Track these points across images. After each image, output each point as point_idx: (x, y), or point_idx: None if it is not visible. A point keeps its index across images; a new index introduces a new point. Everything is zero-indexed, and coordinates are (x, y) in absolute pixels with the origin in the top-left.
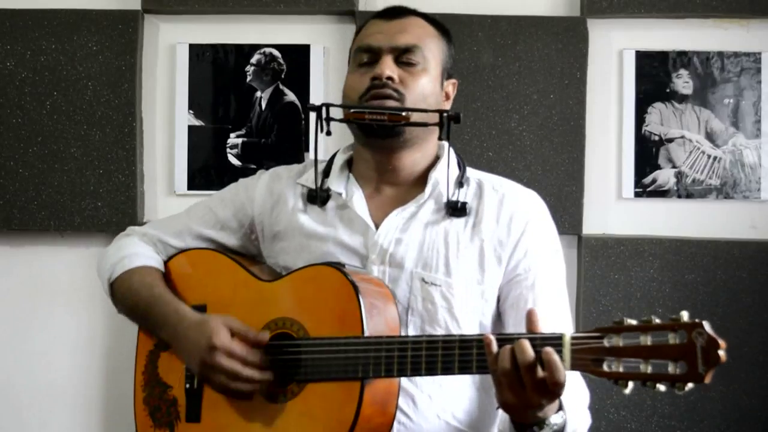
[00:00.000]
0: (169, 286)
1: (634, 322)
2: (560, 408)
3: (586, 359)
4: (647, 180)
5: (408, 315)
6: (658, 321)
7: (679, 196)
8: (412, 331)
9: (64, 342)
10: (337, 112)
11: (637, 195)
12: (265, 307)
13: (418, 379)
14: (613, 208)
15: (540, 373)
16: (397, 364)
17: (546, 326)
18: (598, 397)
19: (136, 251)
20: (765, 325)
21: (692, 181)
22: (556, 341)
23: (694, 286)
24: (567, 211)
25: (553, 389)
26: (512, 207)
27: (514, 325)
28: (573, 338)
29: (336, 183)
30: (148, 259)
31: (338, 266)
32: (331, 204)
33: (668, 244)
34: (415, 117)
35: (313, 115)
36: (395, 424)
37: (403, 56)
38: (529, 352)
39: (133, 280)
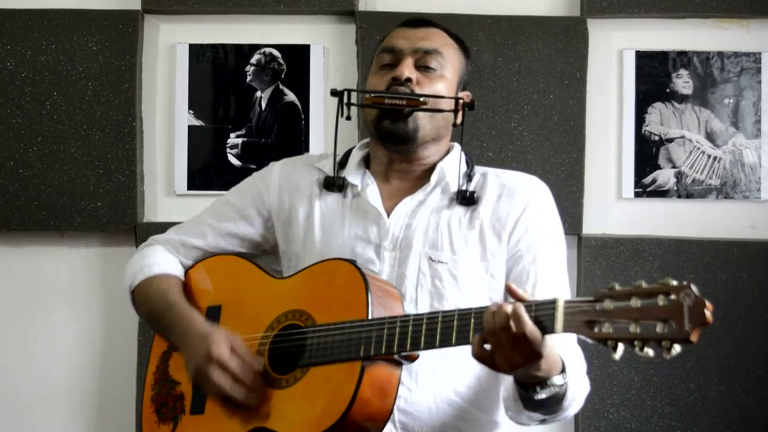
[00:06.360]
0: (189, 291)
1: (626, 287)
2: (563, 370)
3: (579, 321)
4: (647, 180)
5: (417, 291)
6: (649, 285)
7: (679, 196)
8: (422, 307)
9: (63, 342)
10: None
11: (637, 195)
12: (277, 303)
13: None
14: (613, 208)
15: (513, 328)
16: (398, 339)
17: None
18: (599, 397)
19: (156, 260)
20: (765, 325)
21: (692, 181)
22: (549, 305)
23: None
24: (567, 211)
25: (525, 344)
26: (513, 188)
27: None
28: (566, 302)
29: (353, 176)
30: (167, 267)
31: (351, 261)
32: (346, 194)
33: (668, 244)
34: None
35: (334, 101)
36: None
37: (423, 60)
38: (505, 310)
39: (151, 288)
